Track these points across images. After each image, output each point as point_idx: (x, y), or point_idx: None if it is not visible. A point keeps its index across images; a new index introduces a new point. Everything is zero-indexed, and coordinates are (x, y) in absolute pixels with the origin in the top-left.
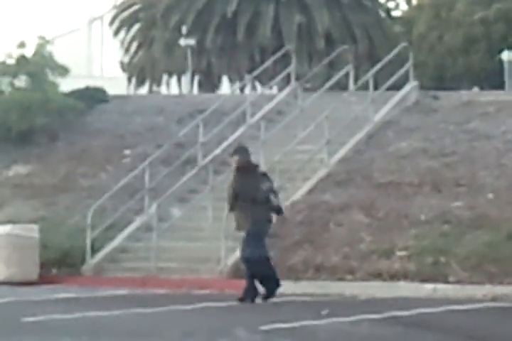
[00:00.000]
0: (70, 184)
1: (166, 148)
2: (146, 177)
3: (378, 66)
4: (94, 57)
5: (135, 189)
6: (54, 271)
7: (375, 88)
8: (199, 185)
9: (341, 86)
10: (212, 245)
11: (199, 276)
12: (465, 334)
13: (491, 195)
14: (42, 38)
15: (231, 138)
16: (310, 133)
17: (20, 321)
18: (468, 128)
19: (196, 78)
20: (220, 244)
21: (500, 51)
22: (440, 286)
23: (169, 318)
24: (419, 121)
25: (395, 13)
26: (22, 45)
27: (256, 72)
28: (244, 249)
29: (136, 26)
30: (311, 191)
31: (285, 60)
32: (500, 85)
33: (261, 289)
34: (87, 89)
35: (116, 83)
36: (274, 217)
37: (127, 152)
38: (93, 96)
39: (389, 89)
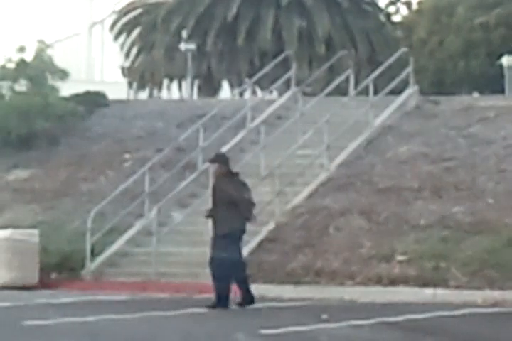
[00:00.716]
0: (70, 188)
1: (166, 152)
2: (146, 181)
3: (378, 71)
4: (95, 61)
5: (135, 193)
6: (54, 275)
7: (375, 93)
8: (199, 189)
9: (341, 90)
10: None
11: (199, 281)
12: (465, 339)
13: (491, 200)
14: (42, 42)
15: (231, 143)
16: (310, 137)
17: (20, 325)
18: (468, 133)
19: (196, 83)
20: None
21: (501, 56)
22: (440, 291)
23: (169, 323)
24: (420, 125)
25: (396, 18)
26: (22, 49)
27: (256, 77)
28: (217, 250)
29: (137, 31)
30: (311, 196)
31: (285, 64)
32: (500, 90)
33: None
34: (88, 93)
35: (117, 88)
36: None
37: (127, 156)
38: (93, 101)
39: (389, 93)
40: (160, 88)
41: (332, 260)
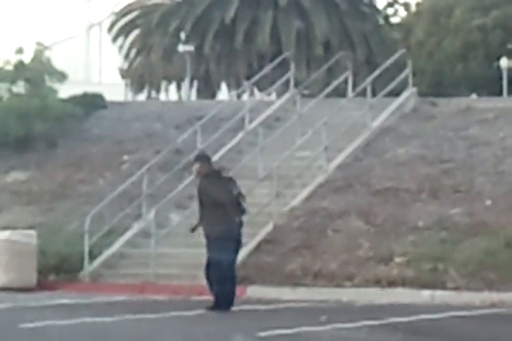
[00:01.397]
0: (68, 190)
1: (164, 154)
2: (144, 183)
3: (377, 72)
4: (93, 63)
5: (133, 195)
6: (52, 277)
7: (374, 94)
8: None
9: (340, 92)
10: None
11: (197, 282)
12: (463, 340)
13: (489, 202)
14: (40, 44)
15: (229, 145)
16: (308, 139)
17: (17, 327)
18: (466, 135)
19: (195, 84)
20: None
21: (499, 58)
22: (438, 293)
23: (167, 324)
24: (418, 127)
25: (394, 20)
26: (20, 51)
27: (254, 79)
28: (212, 253)
29: (135, 32)
30: (309, 197)
31: (283, 66)
32: (498, 92)
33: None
34: (86, 95)
35: (115, 89)
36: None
37: (125, 158)
38: (91, 103)
39: (387, 95)
40: (158, 90)
41: (330, 262)
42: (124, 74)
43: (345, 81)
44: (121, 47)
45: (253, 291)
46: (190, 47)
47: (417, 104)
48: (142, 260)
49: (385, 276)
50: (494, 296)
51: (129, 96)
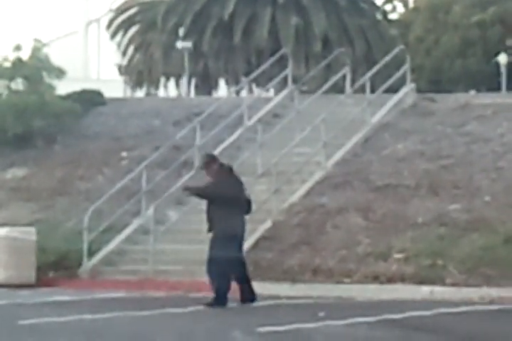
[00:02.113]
0: (67, 187)
1: (162, 150)
2: (143, 179)
3: (375, 69)
4: (91, 60)
5: (132, 191)
6: (51, 273)
7: (372, 91)
8: None
9: (338, 88)
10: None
11: (196, 279)
12: (462, 336)
13: (487, 198)
14: (38, 40)
15: (228, 141)
16: (307, 135)
17: (16, 324)
18: (465, 131)
19: (193, 81)
20: None
21: (497, 54)
22: (437, 289)
23: (166, 321)
24: (416, 123)
25: (392, 16)
26: (18, 48)
27: (253, 75)
28: (216, 250)
29: (133, 29)
30: (308, 194)
31: (282, 62)
32: (497, 88)
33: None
34: (84, 92)
35: (113, 86)
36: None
37: (124, 154)
38: (90, 99)
39: (386, 91)
40: (157, 86)
41: (329, 258)
42: (123, 70)
43: (344, 77)
44: (119, 44)
45: None
46: (189, 44)
47: (416, 100)
48: (141, 256)
49: (384, 272)
50: (493, 292)
51: (128, 93)
